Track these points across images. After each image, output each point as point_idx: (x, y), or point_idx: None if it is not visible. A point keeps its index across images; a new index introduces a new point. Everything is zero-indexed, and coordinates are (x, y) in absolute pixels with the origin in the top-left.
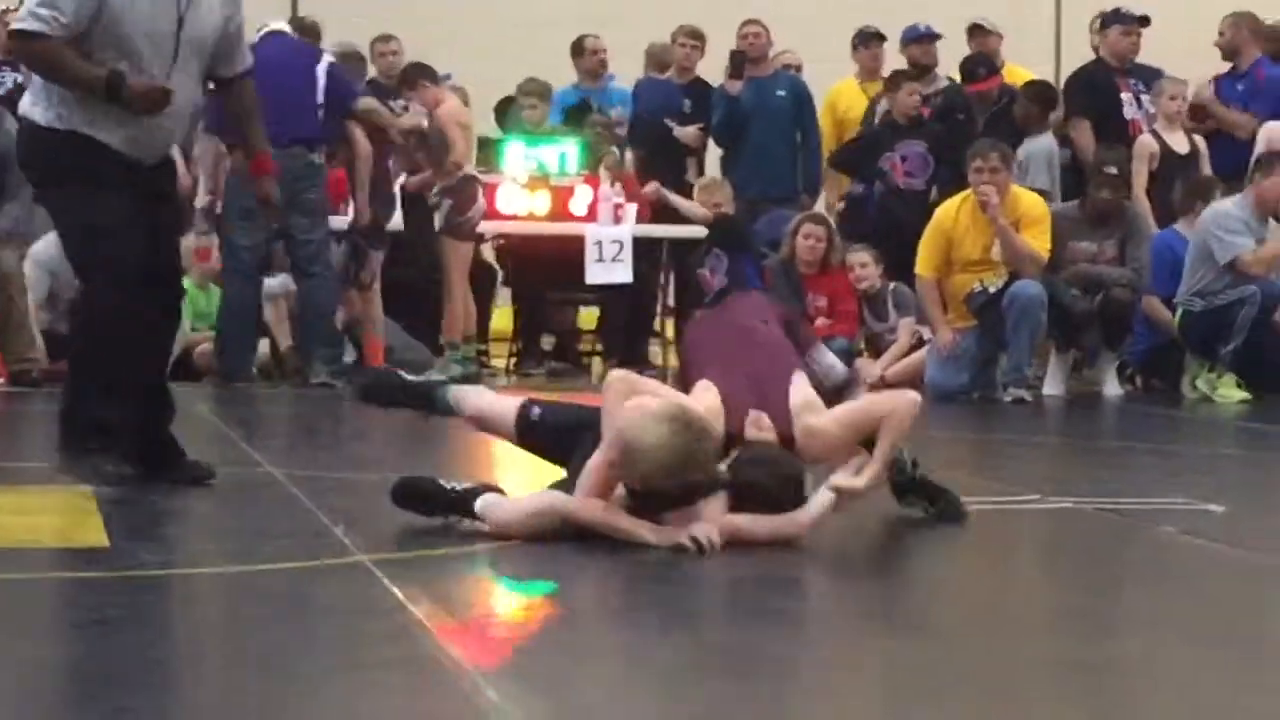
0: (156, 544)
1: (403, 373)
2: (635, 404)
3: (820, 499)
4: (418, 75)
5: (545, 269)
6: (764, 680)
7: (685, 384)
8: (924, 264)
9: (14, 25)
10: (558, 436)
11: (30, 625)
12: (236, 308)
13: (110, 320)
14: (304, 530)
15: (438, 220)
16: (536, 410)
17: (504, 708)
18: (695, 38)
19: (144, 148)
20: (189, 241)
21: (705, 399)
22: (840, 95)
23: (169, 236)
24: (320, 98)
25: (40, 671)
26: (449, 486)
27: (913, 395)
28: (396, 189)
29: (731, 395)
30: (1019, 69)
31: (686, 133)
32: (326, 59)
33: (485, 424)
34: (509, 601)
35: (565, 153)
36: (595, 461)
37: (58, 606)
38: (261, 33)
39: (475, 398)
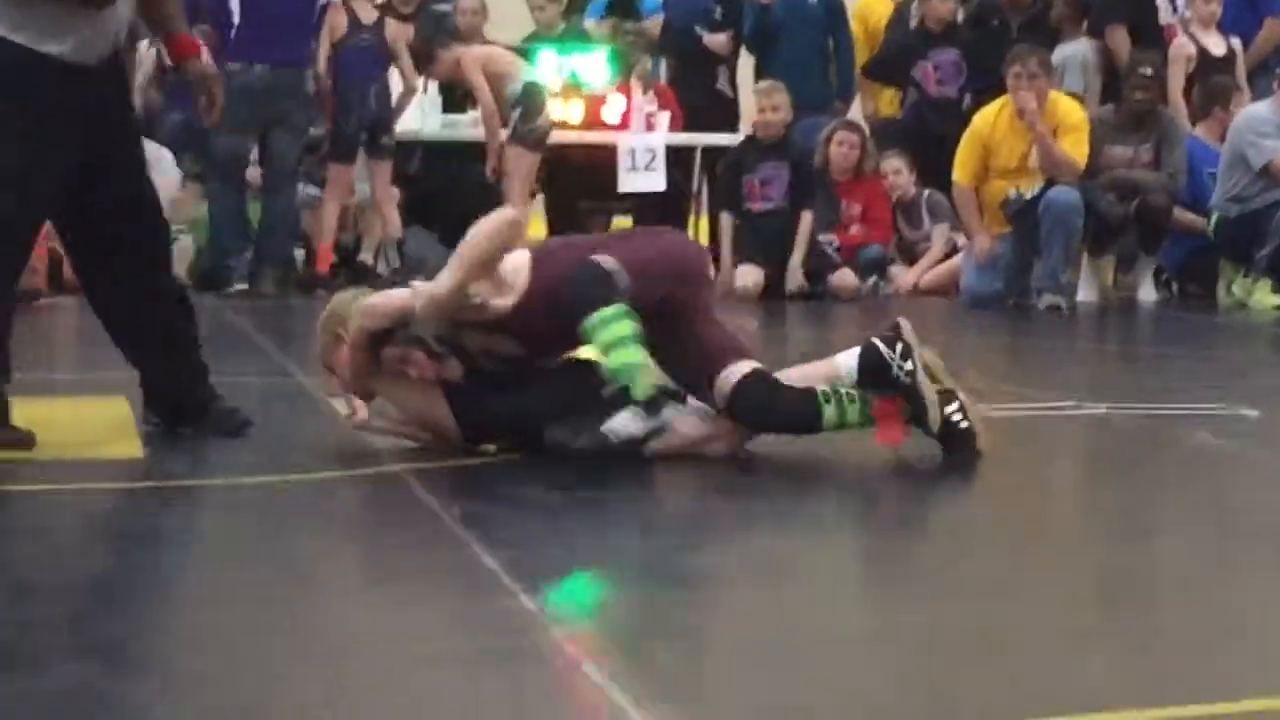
0: (189, 454)
1: None
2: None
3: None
4: (427, 51)
5: (578, 178)
6: (784, 588)
7: None
8: (961, 171)
9: None
10: None
11: (59, 537)
12: (223, 215)
13: None
14: (337, 440)
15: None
16: None
17: (540, 616)
18: None
19: (88, 49)
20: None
21: None
22: (871, 7)
23: (129, 156)
24: (314, 20)
25: (66, 584)
26: None
27: (502, 213)
28: (421, 91)
29: None
30: None
31: (716, 40)
32: None
33: None
34: (544, 509)
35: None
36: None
37: (88, 518)
38: None
39: None
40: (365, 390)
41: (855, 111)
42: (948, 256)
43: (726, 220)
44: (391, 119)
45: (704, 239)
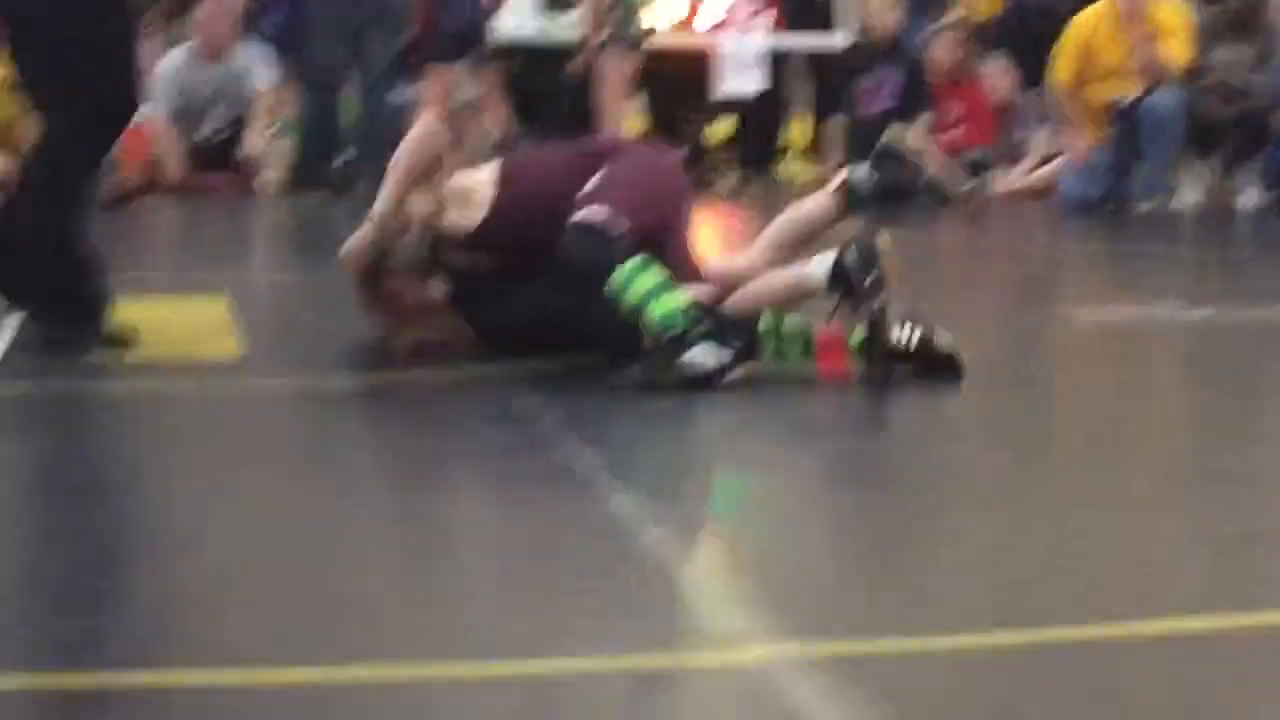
0: (289, 355)
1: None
2: None
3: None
4: None
5: (677, 81)
6: (880, 492)
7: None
8: (1061, 72)
9: None
10: None
11: (157, 437)
12: (313, 121)
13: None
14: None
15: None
16: None
17: (638, 517)
18: None
19: None
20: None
21: None
22: None
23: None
24: None
25: (166, 485)
26: None
27: (422, 124)
28: None
29: None
30: None
31: None
32: None
33: None
34: (643, 411)
35: None
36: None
37: (186, 419)
38: None
39: None
40: (399, 327)
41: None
42: (1048, 160)
43: (837, 122)
44: (492, 20)
45: (803, 142)
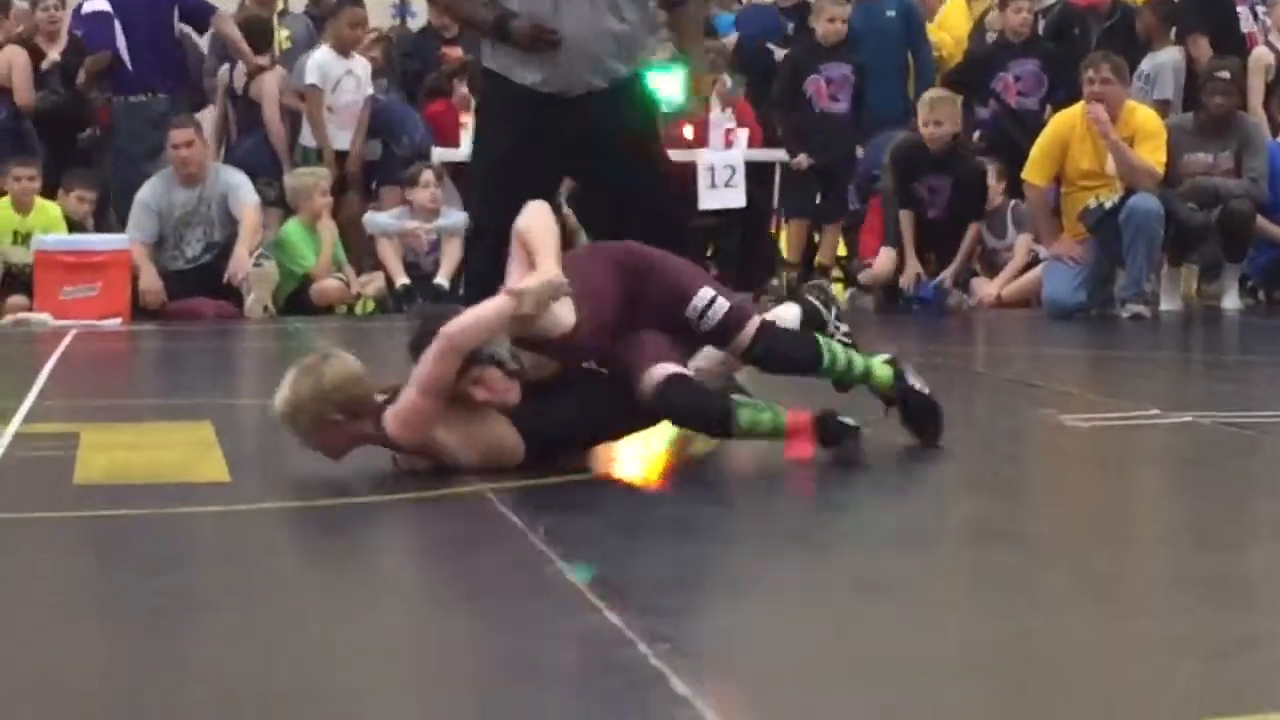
0: (277, 478)
1: None
2: None
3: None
4: None
5: None
6: (869, 604)
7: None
8: (1035, 170)
9: None
10: None
11: (150, 560)
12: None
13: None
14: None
15: None
16: None
17: (624, 632)
18: None
19: (560, 82)
20: None
21: None
22: (947, 16)
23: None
24: None
25: (160, 603)
26: None
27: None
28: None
29: None
30: None
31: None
32: None
33: None
34: (625, 525)
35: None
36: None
37: (177, 541)
38: None
39: None
40: (423, 443)
41: None
42: (1030, 267)
43: (907, 217)
44: None
45: (787, 252)
